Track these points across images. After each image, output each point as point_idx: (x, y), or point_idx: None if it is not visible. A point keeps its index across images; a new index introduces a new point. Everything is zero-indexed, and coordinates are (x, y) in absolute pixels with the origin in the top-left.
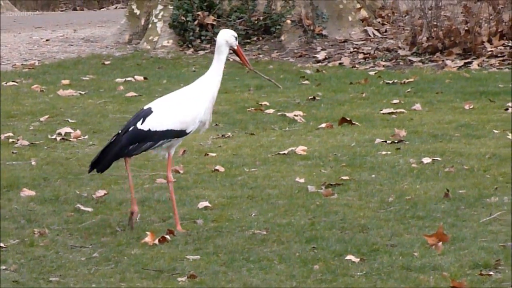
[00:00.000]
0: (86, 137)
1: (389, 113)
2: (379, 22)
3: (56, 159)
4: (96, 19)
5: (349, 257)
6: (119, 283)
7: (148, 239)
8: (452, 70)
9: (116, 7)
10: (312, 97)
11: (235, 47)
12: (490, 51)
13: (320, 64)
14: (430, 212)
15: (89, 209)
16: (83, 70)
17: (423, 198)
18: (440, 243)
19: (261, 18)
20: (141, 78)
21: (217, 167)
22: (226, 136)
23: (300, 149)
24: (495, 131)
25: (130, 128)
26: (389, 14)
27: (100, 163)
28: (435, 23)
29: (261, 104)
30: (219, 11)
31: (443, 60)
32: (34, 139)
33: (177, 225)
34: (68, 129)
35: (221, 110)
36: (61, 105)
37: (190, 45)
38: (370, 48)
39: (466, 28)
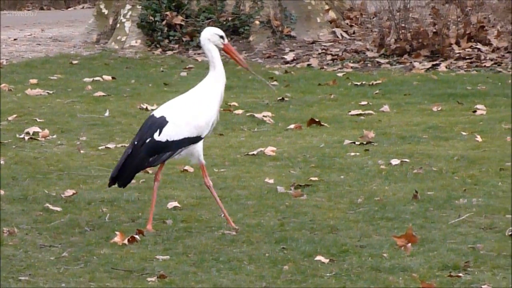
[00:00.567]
0: (55, 136)
1: (357, 115)
2: (347, 23)
3: (24, 158)
4: (64, 19)
5: (318, 257)
6: (89, 283)
7: (117, 239)
8: (420, 72)
9: (83, 7)
10: (280, 98)
11: (221, 46)
12: (458, 53)
13: (288, 65)
14: (399, 213)
15: (58, 209)
16: (51, 70)
17: (392, 199)
18: (409, 244)
19: (230, 18)
20: (109, 77)
21: (186, 167)
22: None
23: (269, 150)
24: (463, 133)
25: (147, 140)
26: (357, 16)
27: (121, 178)
28: (403, 25)
29: (230, 105)
30: (188, 11)
31: (411, 62)
32: (2, 138)
33: (149, 224)
34: (36, 129)
35: None
36: (29, 105)
37: (158, 45)
38: (338, 49)
39: (434, 30)
